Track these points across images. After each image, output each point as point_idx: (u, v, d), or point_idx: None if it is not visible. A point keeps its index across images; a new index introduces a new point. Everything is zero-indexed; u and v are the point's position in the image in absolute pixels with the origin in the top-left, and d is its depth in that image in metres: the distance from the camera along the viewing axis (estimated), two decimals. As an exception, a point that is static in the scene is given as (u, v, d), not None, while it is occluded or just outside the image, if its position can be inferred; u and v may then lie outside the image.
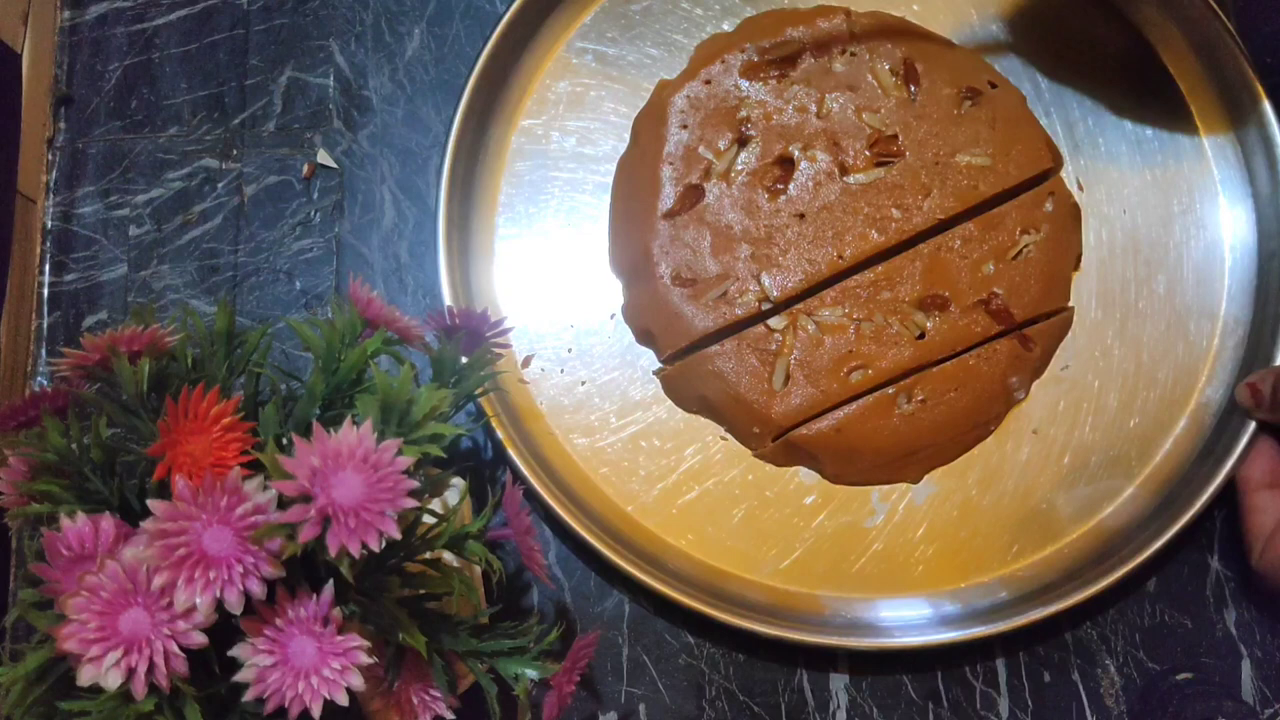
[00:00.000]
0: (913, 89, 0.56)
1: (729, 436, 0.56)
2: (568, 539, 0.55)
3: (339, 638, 0.36)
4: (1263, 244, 0.56)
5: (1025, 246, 0.55)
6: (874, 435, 0.53)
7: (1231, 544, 0.55)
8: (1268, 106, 0.55)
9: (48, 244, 0.59)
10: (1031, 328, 0.55)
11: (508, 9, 0.56)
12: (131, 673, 0.33)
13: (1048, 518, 0.55)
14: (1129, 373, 0.56)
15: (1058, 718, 0.54)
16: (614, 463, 0.55)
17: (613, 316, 0.57)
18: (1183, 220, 0.57)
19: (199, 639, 0.34)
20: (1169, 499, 0.54)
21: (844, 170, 0.55)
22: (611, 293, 0.57)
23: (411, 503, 0.35)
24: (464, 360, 0.44)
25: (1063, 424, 0.56)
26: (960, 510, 0.55)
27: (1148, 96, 0.58)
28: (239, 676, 0.35)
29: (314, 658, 0.35)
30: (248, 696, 0.35)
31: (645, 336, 0.56)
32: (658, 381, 0.56)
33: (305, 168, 0.59)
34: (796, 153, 0.55)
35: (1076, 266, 0.57)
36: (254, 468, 0.36)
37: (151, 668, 0.33)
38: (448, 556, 0.42)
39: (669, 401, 0.56)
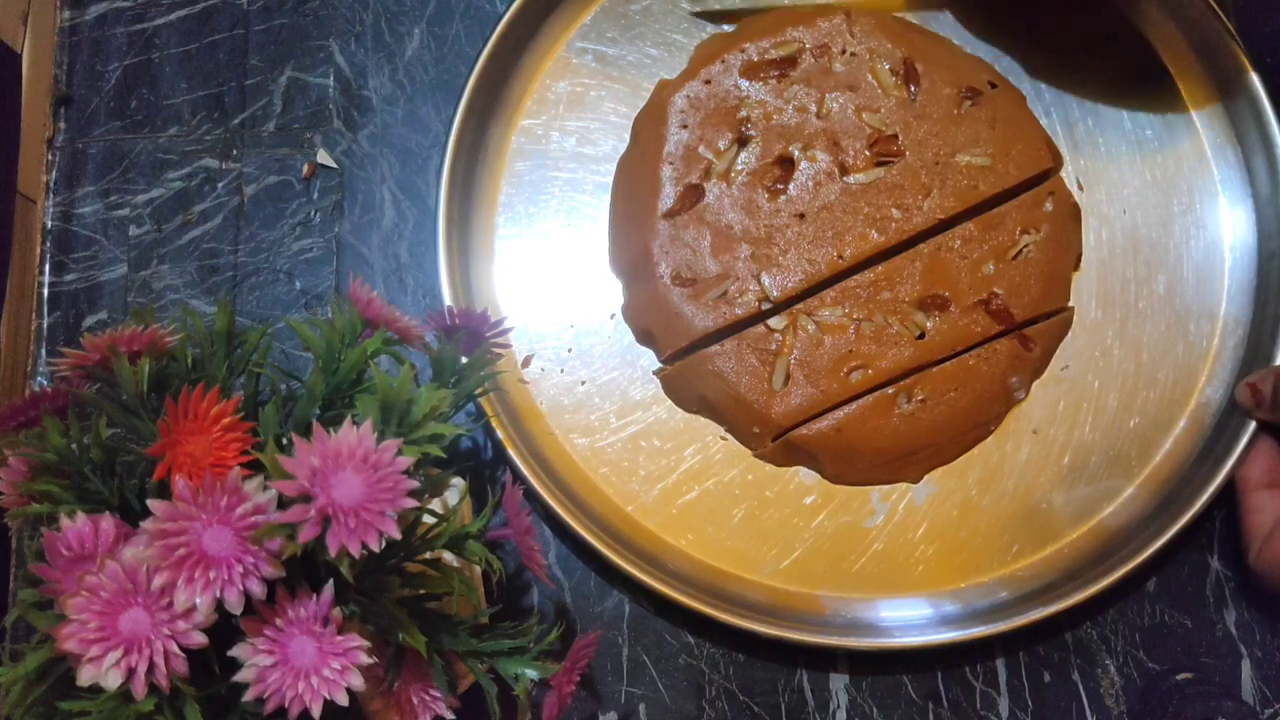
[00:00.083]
0: (913, 89, 0.56)
1: (729, 436, 0.56)
2: (568, 539, 0.55)
3: (339, 638, 0.36)
4: (1263, 244, 0.56)
5: (1025, 246, 0.55)
6: (874, 435, 0.53)
7: (1231, 544, 0.55)
8: (1268, 106, 0.55)
9: (48, 244, 0.59)
10: (1031, 328, 0.55)
11: (508, 9, 0.56)
12: (131, 673, 0.33)
13: (1048, 518, 0.55)
14: (1129, 373, 0.56)
15: (1058, 718, 0.54)
16: (614, 463, 0.55)
17: (613, 316, 0.57)
18: (1183, 220, 0.57)
19: (199, 639, 0.34)
20: (1169, 499, 0.54)
21: (844, 170, 0.55)
22: (611, 293, 0.57)
23: (411, 503, 0.35)
24: (464, 360, 0.44)
25: (1063, 424, 0.56)
26: (960, 510, 0.55)
27: (1148, 97, 0.58)
28: (239, 676, 0.35)
29: (314, 658, 0.35)
30: (248, 696, 0.35)
31: (645, 336, 0.56)
32: (658, 381, 0.56)
33: (305, 168, 0.59)
34: (796, 153, 0.55)
35: (1076, 266, 0.57)
36: (254, 468, 0.36)
37: (151, 668, 0.33)
38: (448, 556, 0.42)
39: (669, 401, 0.56)
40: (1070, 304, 0.56)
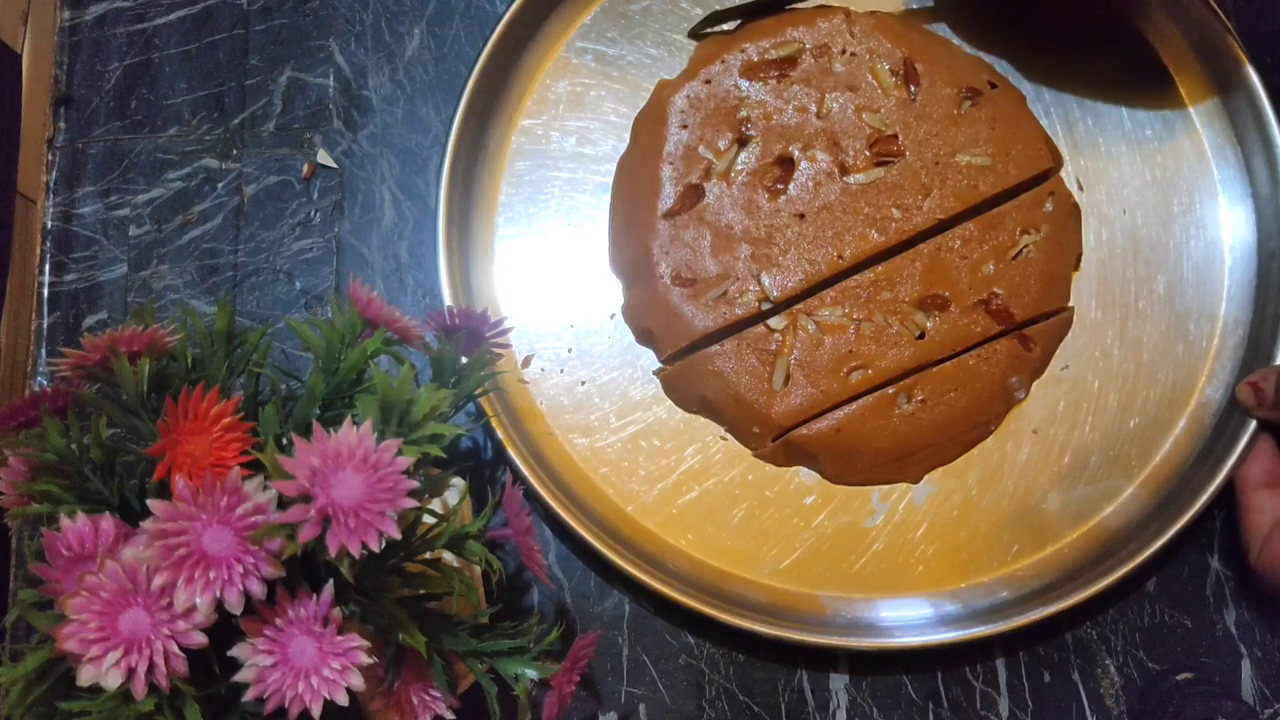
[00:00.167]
0: (912, 89, 0.56)
1: (729, 436, 0.56)
2: (568, 539, 0.55)
3: (339, 638, 0.36)
4: (1263, 244, 0.56)
5: (1025, 246, 0.55)
6: (874, 435, 0.53)
7: (1232, 544, 0.55)
8: (1268, 106, 0.55)
9: (48, 244, 0.59)
10: (1031, 328, 0.55)
11: (508, 9, 0.56)
12: (131, 673, 0.33)
13: (1048, 518, 0.55)
14: (1129, 373, 0.56)
15: (1058, 718, 0.54)
16: (614, 463, 0.55)
17: (613, 316, 0.57)
18: (1183, 220, 0.57)
19: (199, 639, 0.34)
20: (1169, 499, 0.54)
21: (844, 170, 0.55)
22: (611, 293, 0.57)
23: (411, 503, 0.35)
24: (464, 360, 0.44)
25: (1063, 424, 0.56)
26: (960, 510, 0.55)
27: (1147, 97, 0.58)
28: (239, 676, 0.35)
29: (314, 658, 0.35)
30: (248, 696, 0.35)
31: (645, 336, 0.56)
32: (658, 381, 0.56)
33: (305, 168, 0.59)
34: (796, 153, 0.55)
35: (1076, 266, 0.57)
36: (254, 468, 0.36)
37: (151, 668, 0.33)
38: (448, 556, 0.42)
39: (669, 401, 0.56)
40: (1070, 304, 0.56)
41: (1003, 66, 0.58)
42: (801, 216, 0.55)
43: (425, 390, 0.39)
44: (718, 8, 0.59)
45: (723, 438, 0.56)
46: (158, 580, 0.33)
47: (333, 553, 0.33)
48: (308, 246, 0.59)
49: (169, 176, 0.59)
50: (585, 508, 0.54)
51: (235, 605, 0.34)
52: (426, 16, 0.60)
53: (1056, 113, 0.58)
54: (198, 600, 0.33)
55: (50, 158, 0.60)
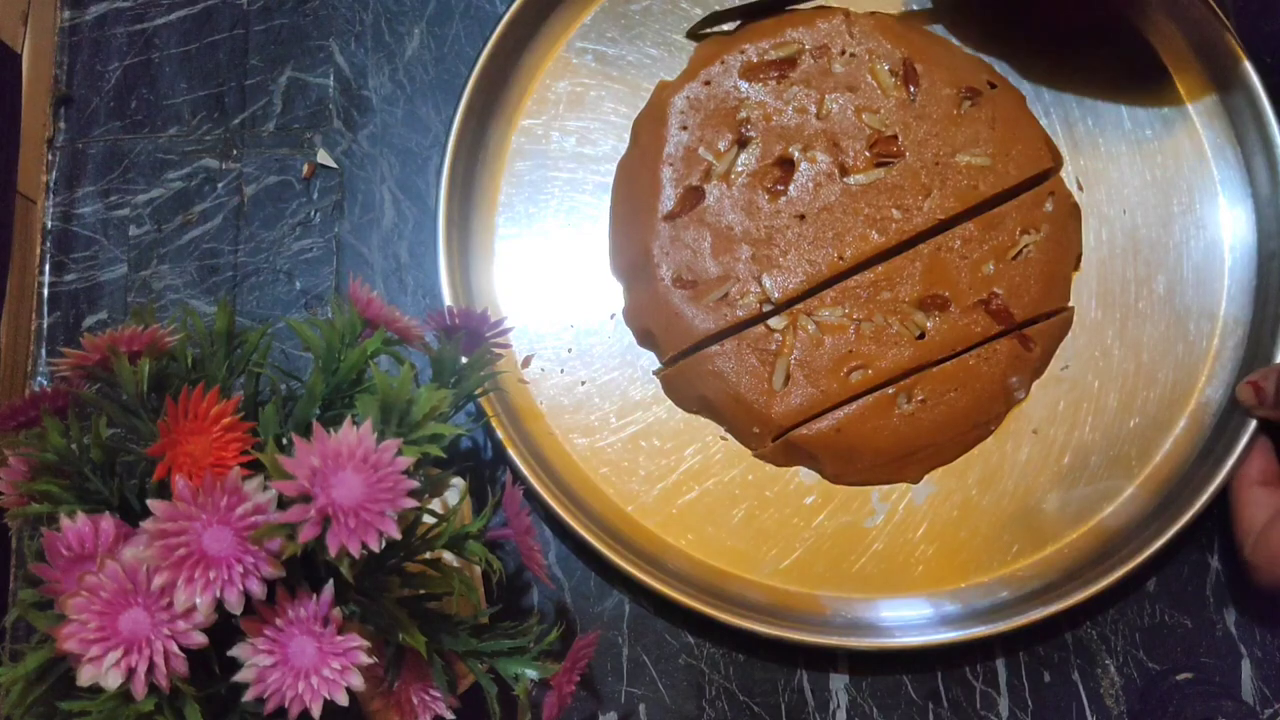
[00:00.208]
0: (912, 89, 0.56)
1: (729, 436, 0.56)
2: (568, 539, 0.55)
3: (339, 638, 0.36)
4: (1263, 244, 0.56)
5: (1025, 246, 0.55)
6: (874, 435, 0.53)
7: (1232, 543, 0.54)
8: (1268, 106, 0.55)
9: (48, 244, 0.59)
10: (1031, 328, 0.55)
11: (508, 9, 0.56)
12: (131, 673, 0.33)
13: (1048, 518, 0.55)
14: (1129, 373, 0.56)
15: (1058, 718, 0.54)
16: (614, 463, 0.55)
17: (613, 316, 0.57)
18: (1183, 220, 0.57)
19: (199, 639, 0.34)
20: (1169, 499, 0.54)
21: (844, 171, 0.55)
22: (611, 292, 0.57)
23: (411, 503, 0.35)
24: (464, 360, 0.44)
25: (1063, 424, 0.56)
26: (960, 510, 0.55)
27: (1147, 96, 0.58)
28: (239, 676, 0.35)
29: (314, 658, 0.35)
30: (248, 696, 0.35)
31: (646, 338, 0.56)
32: (658, 381, 0.56)
33: (305, 168, 0.59)
34: (796, 154, 0.55)
35: (1076, 266, 0.57)
36: (254, 468, 0.36)
37: (151, 668, 0.33)
38: (448, 556, 0.42)
39: (669, 401, 0.56)
40: (1070, 304, 0.56)
41: (1002, 67, 0.58)
42: (802, 218, 0.55)
43: (425, 390, 0.39)
44: (717, 8, 0.59)
45: (723, 438, 0.56)
46: (158, 580, 0.33)
47: (333, 553, 0.33)
48: (308, 246, 0.59)
49: (169, 176, 0.59)
50: (585, 508, 0.54)
51: (235, 605, 0.34)
52: (426, 16, 0.60)
53: (1056, 113, 0.58)
54: (198, 600, 0.33)
55: (50, 158, 0.60)
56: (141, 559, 0.34)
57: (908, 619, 0.53)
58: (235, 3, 0.61)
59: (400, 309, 0.43)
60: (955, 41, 0.58)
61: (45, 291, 0.58)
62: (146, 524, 0.34)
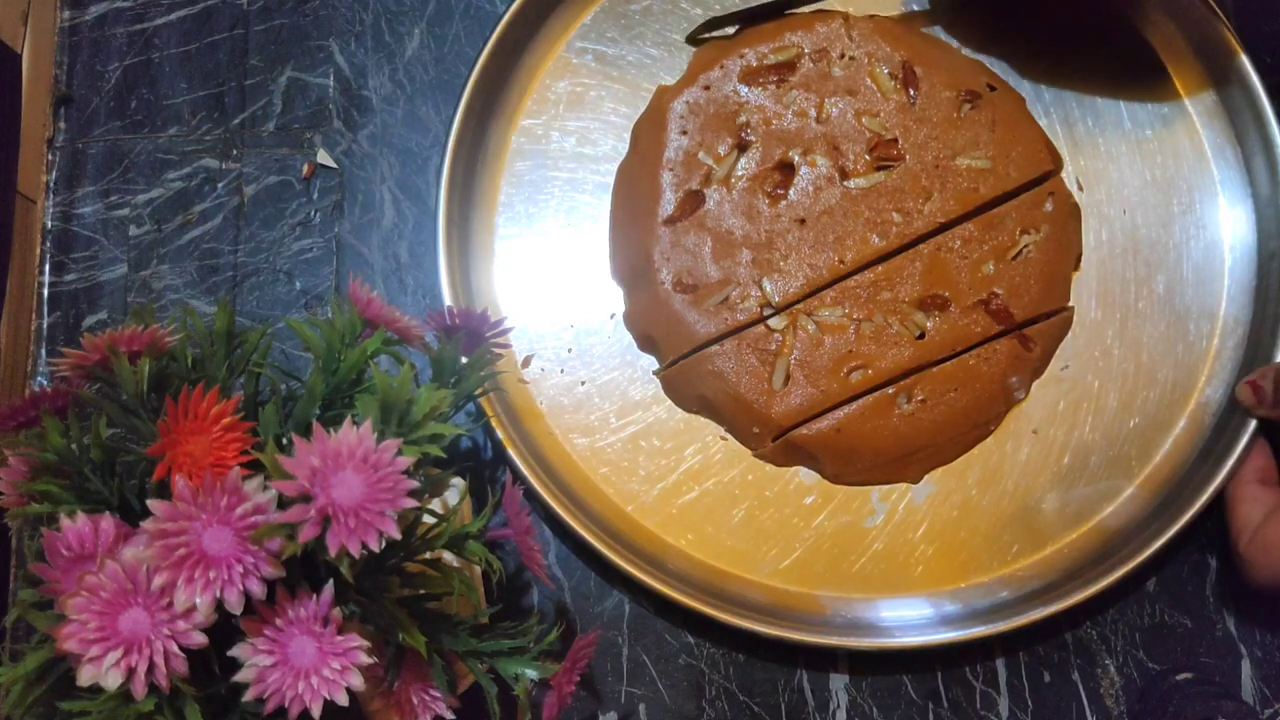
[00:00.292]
0: (912, 92, 0.56)
1: (729, 436, 0.56)
2: (568, 539, 0.55)
3: (339, 638, 0.36)
4: (1263, 244, 0.56)
5: (1025, 246, 0.55)
6: (874, 435, 0.53)
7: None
8: (1268, 106, 0.55)
9: (48, 244, 0.59)
10: (1031, 328, 0.55)
11: (508, 9, 0.56)
12: (131, 673, 0.33)
13: (1048, 518, 0.55)
14: (1129, 373, 0.56)
15: (1058, 718, 0.54)
16: (614, 463, 0.55)
17: (613, 316, 0.57)
18: (1183, 220, 0.57)
19: (199, 639, 0.34)
20: (1169, 499, 0.54)
21: (844, 175, 0.55)
22: (611, 293, 0.57)
23: (411, 503, 0.35)
24: (464, 360, 0.44)
25: (1063, 424, 0.56)
26: (960, 510, 0.55)
27: (1147, 96, 0.58)
28: (239, 676, 0.35)
29: (314, 658, 0.35)
30: (248, 696, 0.35)
31: (647, 342, 0.56)
32: (658, 381, 0.56)
33: (305, 168, 0.59)
34: (796, 158, 0.55)
35: (1076, 266, 0.57)
36: (254, 468, 0.36)
37: (151, 668, 0.33)
38: (448, 556, 0.42)
39: (669, 401, 0.56)
40: (1070, 304, 0.56)
41: (1002, 67, 0.58)
42: (802, 221, 0.55)
43: (425, 390, 0.39)
44: (717, 9, 0.59)
45: (723, 438, 0.56)
46: (158, 580, 0.33)
47: (333, 553, 0.33)
48: (308, 246, 0.59)
49: (169, 176, 0.59)
50: (585, 508, 0.54)
51: (235, 605, 0.34)
52: (426, 16, 0.60)
53: (1056, 113, 0.58)
54: (198, 600, 0.33)
55: (50, 158, 0.60)
56: (141, 559, 0.34)
57: (908, 619, 0.53)
58: (235, 3, 0.61)
59: (400, 309, 0.43)
60: (954, 44, 0.58)
61: (45, 291, 0.58)
62: (146, 524, 0.34)
